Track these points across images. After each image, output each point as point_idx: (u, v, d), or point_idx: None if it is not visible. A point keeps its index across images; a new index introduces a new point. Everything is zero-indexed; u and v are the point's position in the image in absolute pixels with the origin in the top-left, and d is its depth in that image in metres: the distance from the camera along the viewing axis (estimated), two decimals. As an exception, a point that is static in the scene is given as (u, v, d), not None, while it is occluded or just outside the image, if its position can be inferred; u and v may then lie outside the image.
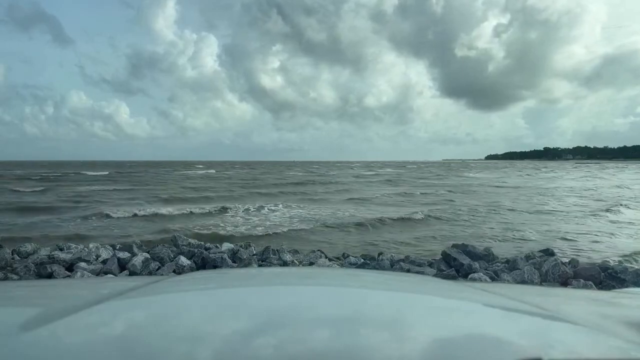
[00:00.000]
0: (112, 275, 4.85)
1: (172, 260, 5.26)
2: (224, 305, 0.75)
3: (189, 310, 0.72)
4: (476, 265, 5.18)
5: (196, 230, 10.62)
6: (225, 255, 5.34)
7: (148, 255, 5.38)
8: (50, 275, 4.79)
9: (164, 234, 9.74)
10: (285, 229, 10.84)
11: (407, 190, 25.01)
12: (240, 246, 6.14)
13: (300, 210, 15.22)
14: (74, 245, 6.12)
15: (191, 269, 5.03)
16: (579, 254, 7.66)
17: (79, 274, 4.80)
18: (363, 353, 0.52)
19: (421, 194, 22.70)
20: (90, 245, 6.02)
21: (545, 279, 4.70)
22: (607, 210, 14.06)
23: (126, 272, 5.05)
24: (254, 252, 5.93)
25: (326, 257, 6.11)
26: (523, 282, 4.59)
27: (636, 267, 5.47)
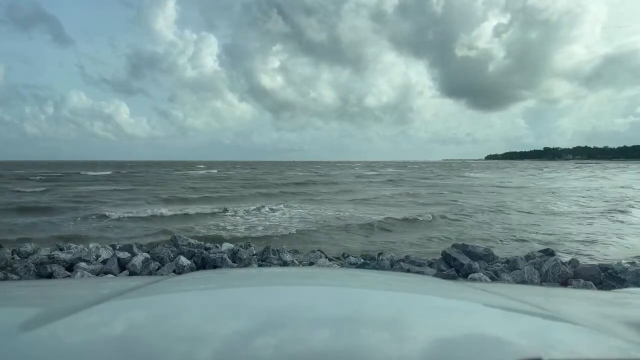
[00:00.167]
0: (112, 275, 4.85)
1: (172, 260, 5.26)
2: (224, 305, 0.75)
3: (189, 310, 0.72)
4: (476, 265, 5.18)
5: (196, 230, 10.62)
6: (225, 255, 5.34)
7: (148, 255, 5.38)
8: (50, 275, 4.79)
9: (164, 234, 9.75)
10: (286, 230, 10.82)
11: (410, 191, 24.91)
12: (240, 246, 6.14)
13: (301, 211, 15.22)
14: (74, 245, 6.12)
15: (191, 269, 5.03)
16: (592, 255, 7.61)
17: (79, 274, 4.80)
18: (363, 353, 0.52)
19: (425, 194, 22.58)
20: (90, 245, 6.02)
21: (545, 279, 4.70)
22: (618, 211, 14.00)
23: (126, 272, 5.05)
24: (254, 252, 5.93)
25: (326, 257, 6.11)
26: (523, 282, 4.58)
27: (636, 267, 5.46)
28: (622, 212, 14.00)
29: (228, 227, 11.42)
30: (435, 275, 4.63)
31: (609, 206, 15.68)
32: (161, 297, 0.84)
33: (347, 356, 0.51)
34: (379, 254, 6.48)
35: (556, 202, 17.70)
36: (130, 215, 13.49)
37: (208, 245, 6.28)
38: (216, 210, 14.89)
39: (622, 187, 26.20)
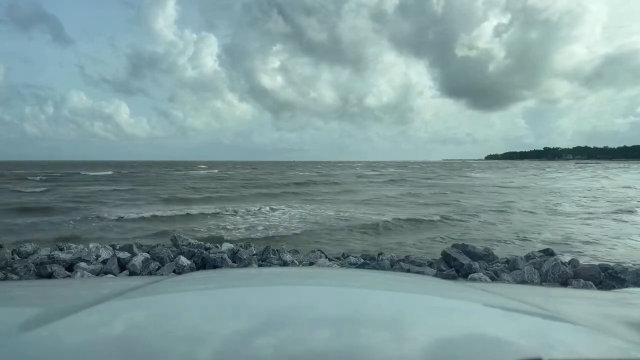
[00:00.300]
0: (112, 275, 4.85)
1: (172, 260, 5.26)
2: (224, 305, 0.75)
3: (189, 310, 0.72)
4: (476, 265, 5.18)
5: (197, 230, 10.62)
6: (225, 255, 5.34)
7: (148, 255, 5.38)
8: (50, 275, 4.79)
9: (164, 234, 9.75)
10: (286, 230, 10.82)
11: (412, 191, 24.87)
12: (240, 246, 6.14)
13: (302, 211, 15.22)
14: (74, 245, 6.12)
15: (191, 269, 5.03)
16: (602, 256, 7.57)
17: (79, 274, 4.80)
18: (363, 353, 0.52)
19: (427, 194, 22.53)
20: (90, 245, 6.02)
21: (545, 279, 4.70)
22: (623, 211, 13.94)
23: (126, 272, 5.05)
24: (254, 252, 5.93)
25: (326, 257, 6.11)
26: (523, 282, 4.58)
27: (636, 267, 5.46)
28: (628, 212, 13.96)
29: (228, 227, 11.43)
30: (435, 275, 4.63)
31: (613, 206, 15.64)
32: (161, 297, 0.84)
33: (347, 356, 0.51)
34: (379, 254, 6.48)
35: (559, 202, 17.66)
36: (131, 215, 13.50)
37: (208, 245, 6.28)
38: (216, 210, 14.89)
39: (624, 187, 26.21)
